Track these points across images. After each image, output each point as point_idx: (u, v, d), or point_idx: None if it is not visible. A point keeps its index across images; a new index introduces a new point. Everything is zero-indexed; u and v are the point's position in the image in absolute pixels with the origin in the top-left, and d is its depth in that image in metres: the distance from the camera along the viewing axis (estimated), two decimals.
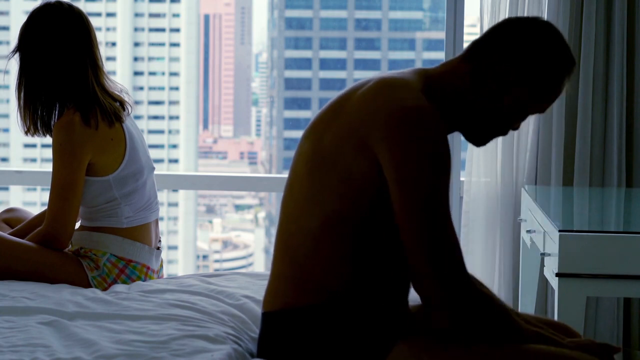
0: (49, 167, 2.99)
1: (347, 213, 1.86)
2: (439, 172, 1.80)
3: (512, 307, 2.02)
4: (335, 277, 1.88)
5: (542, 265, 2.82)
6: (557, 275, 2.54)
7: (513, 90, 1.91)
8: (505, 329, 1.86)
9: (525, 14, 3.58)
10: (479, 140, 1.99)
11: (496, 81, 1.90)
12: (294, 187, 1.93)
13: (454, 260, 1.80)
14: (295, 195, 1.92)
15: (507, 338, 1.86)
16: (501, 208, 3.66)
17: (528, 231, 3.10)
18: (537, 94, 1.92)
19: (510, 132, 3.64)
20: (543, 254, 2.73)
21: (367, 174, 1.83)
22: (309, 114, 26.88)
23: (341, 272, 1.88)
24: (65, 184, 2.70)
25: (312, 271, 1.89)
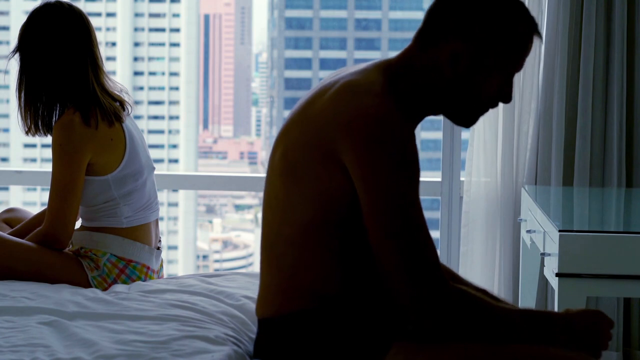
0: (49, 167, 2.99)
1: (325, 218, 1.84)
2: (406, 176, 1.77)
3: (491, 292, 2.00)
4: (323, 282, 1.87)
5: (542, 265, 2.82)
6: (557, 275, 2.54)
7: (485, 62, 1.84)
8: (487, 317, 1.82)
9: None
10: (467, 121, 1.93)
11: (466, 59, 1.84)
12: (270, 197, 1.91)
13: (426, 264, 1.77)
14: (273, 205, 1.90)
15: (492, 325, 1.82)
16: (501, 208, 3.66)
17: (528, 231, 3.10)
18: (506, 54, 1.85)
19: (511, 133, 3.64)
20: (543, 254, 2.73)
21: (339, 180, 1.82)
22: None
23: (329, 276, 1.87)
24: (65, 183, 2.70)
25: (299, 278, 1.88)
